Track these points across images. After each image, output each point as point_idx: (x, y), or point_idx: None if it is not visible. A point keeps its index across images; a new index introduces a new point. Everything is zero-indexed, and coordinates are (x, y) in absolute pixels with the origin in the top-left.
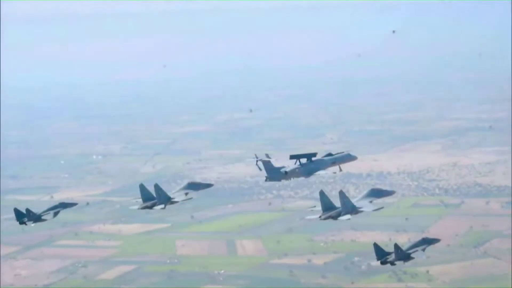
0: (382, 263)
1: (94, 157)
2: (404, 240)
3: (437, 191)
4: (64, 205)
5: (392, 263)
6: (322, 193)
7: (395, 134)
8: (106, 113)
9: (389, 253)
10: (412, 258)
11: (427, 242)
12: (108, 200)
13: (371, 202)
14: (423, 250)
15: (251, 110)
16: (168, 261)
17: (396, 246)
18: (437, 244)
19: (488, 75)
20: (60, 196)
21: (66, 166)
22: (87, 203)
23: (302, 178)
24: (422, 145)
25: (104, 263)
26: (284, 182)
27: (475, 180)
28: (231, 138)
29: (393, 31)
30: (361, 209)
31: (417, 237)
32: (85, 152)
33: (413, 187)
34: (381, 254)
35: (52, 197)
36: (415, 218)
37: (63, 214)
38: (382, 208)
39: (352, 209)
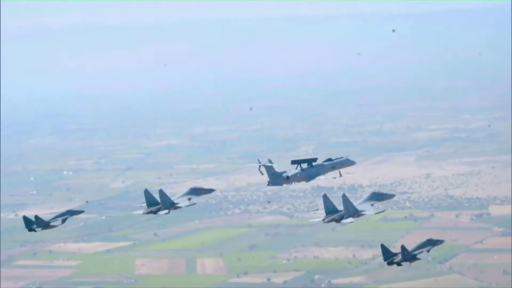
0: (389, 263)
1: (65, 172)
2: (369, 256)
3: (407, 204)
4: (71, 213)
5: (399, 264)
6: (325, 197)
7: (370, 145)
8: (85, 127)
9: (395, 254)
10: (418, 258)
11: (432, 243)
12: (72, 217)
13: (372, 205)
14: (428, 251)
15: (251, 108)
16: (125, 281)
17: (403, 247)
18: None
19: (472, 83)
20: (26, 213)
21: (35, 183)
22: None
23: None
24: (397, 156)
25: (60, 284)
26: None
27: (447, 192)
28: (205, 152)
29: (393, 30)
30: (363, 212)
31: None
32: (57, 168)
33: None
34: (388, 255)
35: (16, 215)
36: (382, 232)
37: (24, 233)
38: (383, 211)
39: (355, 212)
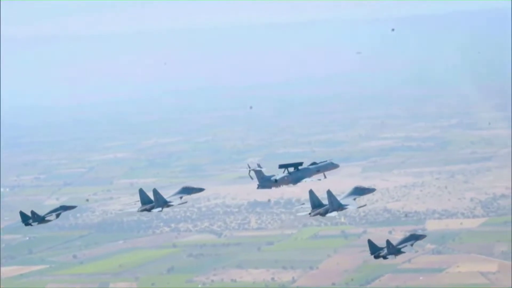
0: (375, 257)
1: (2, 189)
2: (288, 279)
3: (342, 219)
4: (64, 208)
5: (385, 257)
6: (311, 192)
7: (318, 156)
8: (37, 140)
9: (381, 248)
10: (403, 252)
11: (415, 238)
12: None
13: (354, 199)
14: (411, 245)
15: (251, 107)
16: None
17: (388, 242)
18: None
19: (434, 91)
20: None
21: None
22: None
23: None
24: (342, 167)
25: None
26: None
27: (385, 206)
28: (149, 166)
29: (392, 29)
30: (346, 206)
31: (302, 275)
32: None
33: (318, 216)
34: (374, 249)
35: None
36: (310, 251)
37: None
38: (365, 205)
39: (338, 207)
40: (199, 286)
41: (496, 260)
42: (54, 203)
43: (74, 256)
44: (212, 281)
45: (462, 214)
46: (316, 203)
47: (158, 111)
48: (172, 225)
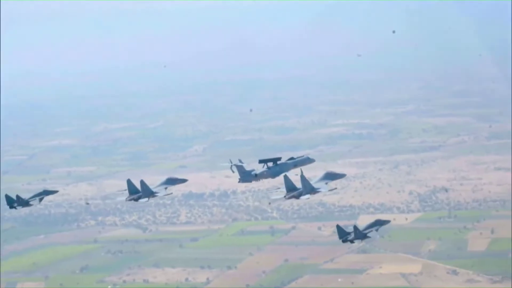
0: (343, 241)
1: None
2: (202, 280)
3: (274, 214)
4: (47, 192)
5: (352, 241)
6: (286, 177)
7: (265, 144)
8: None
9: (349, 233)
10: (369, 237)
11: (380, 223)
12: None
13: (326, 183)
14: (376, 230)
15: (251, 110)
16: None
17: (355, 227)
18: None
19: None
20: None
21: None
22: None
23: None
24: (287, 157)
25: None
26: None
27: (321, 199)
28: (92, 153)
29: (393, 31)
30: (318, 190)
31: (219, 275)
32: None
33: (251, 209)
34: (342, 234)
35: None
36: (233, 249)
37: None
38: (335, 188)
39: (311, 190)
40: (109, 286)
41: (422, 260)
42: None
43: None
44: (124, 281)
45: (398, 208)
46: (290, 187)
47: (114, 95)
48: (100, 218)
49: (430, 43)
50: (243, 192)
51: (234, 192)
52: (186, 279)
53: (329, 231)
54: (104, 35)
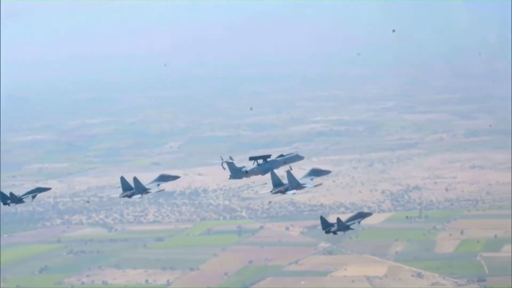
0: (326, 232)
1: None
2: (163, 282)
3: (243, 213)
4: (40, 190)
5: (335, 233)
6: (273, 173)
7: (242, 141)
8: None
9: (332, 225)
10: (351, 229)
11: (362, 216)
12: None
13: (312, 179)
14: (359, 222)
15: (251, 108)
16: None
17: (338, 219)
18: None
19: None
20: None
21: None
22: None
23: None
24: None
25: None
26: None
27: (292, 198)
28: (66, 149)
29: (393, 30)
30: (304, 185)
31: (180, 277)
32: None
33: (221, 208)
34: (325, 225)
35: None
36: (197, 249)
37: None
38: (321, 184)
39: (297, 185)
40: None
41: (388, 262)
42: None
43: None
44: (82, 283)
45: (369, 208)
46: (277, 183)
47: (93, 90)
48: (66, 216)
49: (430, 43)
50: (214, 191)
51: (205, 191)
52: (146, 281)
53: (297, 231)
54: (88, 27)
